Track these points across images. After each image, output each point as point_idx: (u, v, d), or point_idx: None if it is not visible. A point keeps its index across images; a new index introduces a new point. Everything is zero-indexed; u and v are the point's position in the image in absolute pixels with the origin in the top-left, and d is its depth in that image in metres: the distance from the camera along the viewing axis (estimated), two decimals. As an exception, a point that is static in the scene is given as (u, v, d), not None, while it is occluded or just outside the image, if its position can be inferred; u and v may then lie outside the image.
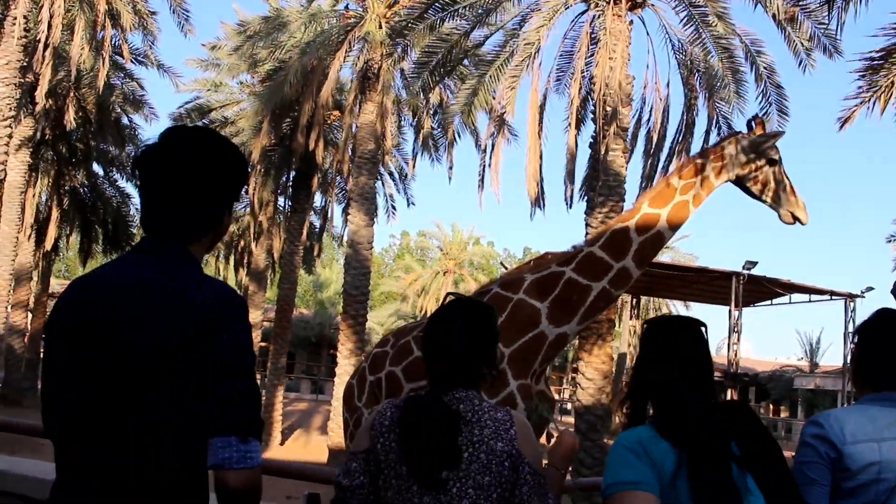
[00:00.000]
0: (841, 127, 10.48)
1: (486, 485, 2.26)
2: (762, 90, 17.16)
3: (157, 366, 1.93)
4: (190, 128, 2.26)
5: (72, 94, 22.51)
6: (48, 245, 26.28)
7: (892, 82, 9.55)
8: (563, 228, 72.25)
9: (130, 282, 2.04)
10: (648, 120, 18.69)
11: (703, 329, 2.63)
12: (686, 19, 16.90)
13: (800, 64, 16.08)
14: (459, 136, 22.08)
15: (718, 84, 17.28)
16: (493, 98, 17.48)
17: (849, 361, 3.00)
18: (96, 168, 27.42)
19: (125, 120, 26.59)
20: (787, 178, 5.65)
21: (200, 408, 1.92)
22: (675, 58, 17.82)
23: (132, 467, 1.96)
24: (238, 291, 2.12)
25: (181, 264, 2.08)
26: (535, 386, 4.81)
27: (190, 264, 2.10)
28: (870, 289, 26.53)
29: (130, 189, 27.60)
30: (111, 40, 21.11)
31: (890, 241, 36.55)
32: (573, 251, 5.26)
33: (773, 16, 15.69)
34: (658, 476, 2.22)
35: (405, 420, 2.43)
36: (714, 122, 17.81)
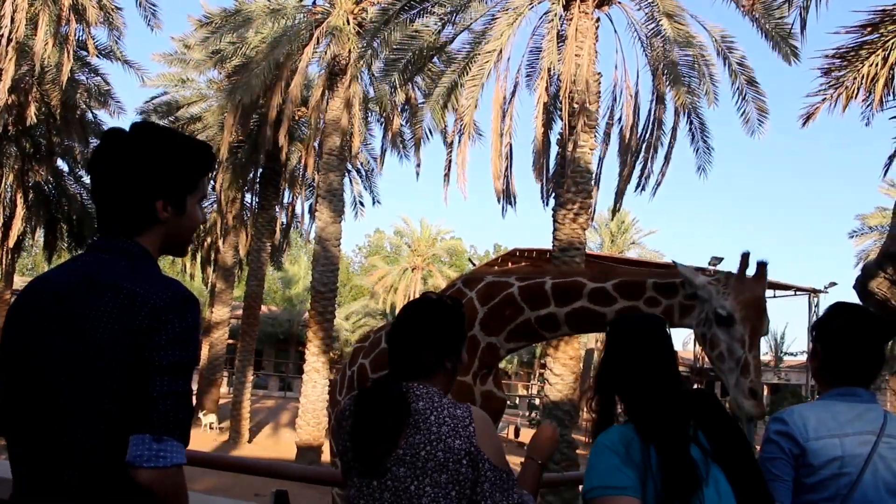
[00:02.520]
0: (804, 123, 10.59)
1: (444, 482, 2.25)
2: (737, 87, 17.35)
3: (101, 362, 1.95)
4: (125, 127, 2.27)
5: (35, 90, 22.23)
6: (12, 242, 25.95)
7: (854, 79, 9.66)
8: (537, 225, 72.51)
9: (80, 280, 2.06)
10: (620, 118, 18.84)
11: (665, 325, 2.68)
12: (649, 16, 17.08)
13: (779, 52, 16.28)
14: (430, 135, 22.13)
15: (685, 79, 17.43)
16: (461, 97, 17.50)
17: (807, 358, 3.03)
18: (61, 164, 27.13)
19: (90, 116, 26.31)
20: (749, 349, 4.32)
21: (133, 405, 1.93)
22: (645, 54, 17.96)
23: (75, 466, 1.97)
24: (187, 290, 2.10)
25: (132, 261, 2.11)
26: (479, 387, 4.73)
27: (141, 261, 2.13)
28: (833, 284, 26.92)
29: (96, 185, 27.29)
30: (75, 35, 20.88)
31: (852, 237, 37.10)
32: (538, 270, 5.14)
33: (741, 6, 15.94)
34: (640, 477, 2.24)
35: (355, 407, 2.47)
36: (684, 116, 17.97)
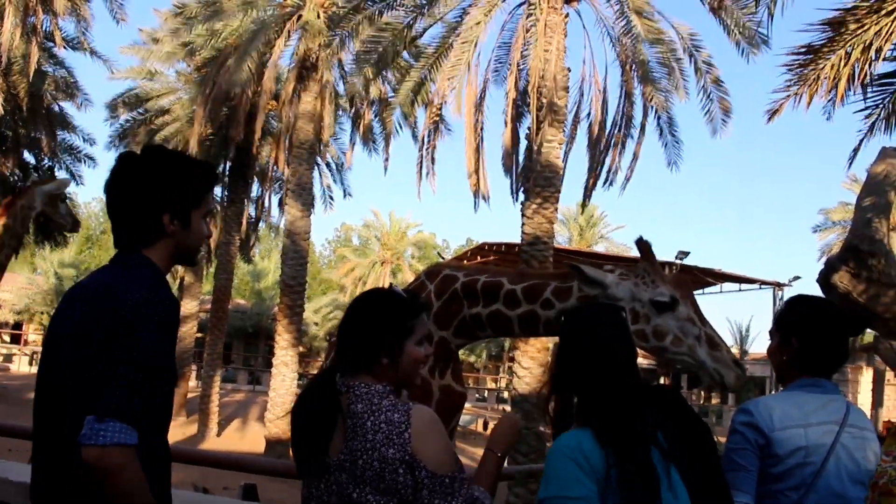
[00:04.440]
0: (769, 119, 10.69)
1: (384, 490, 2.21)
2: (702, 86, 17.49)
3: (80, 354, 2.20)
4: (131, 152, 2.57)
5: (1, 81, 21.95)
6: (-24, 235, 25.63)
7: (818, 76, 9.79)
8: (510, 219, 72.64)
9: (84, 285, 2.41)
10: (589, 114, 18.90)
11: (622, 314, 2.63)
12: (618, 13, 17.19)
13: (742, 53, 16.44)
14: (400, 129, 22.09)
15: (654, 75, 17.55)
16: (431, 92, 17.49)
17: (767, 351, 3.01)
18: (27, 157, 26.78)
19: (56, 108, 26.01)
20: (700, 322, 4.25)
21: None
22: (614, 50, 18.05)
23: (63, 447, 2.19)
24: (172, 296, 2.35)
25: (129, 268, 2.36)
26: (438, 380, 4.66)
27: (136, 268, 2.36)
28: (797, 278, 27.18)
29: (63, 177, 26.98)
30: (42, 26, 20.64)
31: (816, 232, 37.55)
32: (484, 268, 5.04)
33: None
34: (599, 486, 2.20)
35: (294, 405, 2.50)
36: (653, 112, 18.09)
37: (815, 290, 7.18)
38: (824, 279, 6.85)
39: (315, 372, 6.23)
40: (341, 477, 2.25)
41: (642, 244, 4.40)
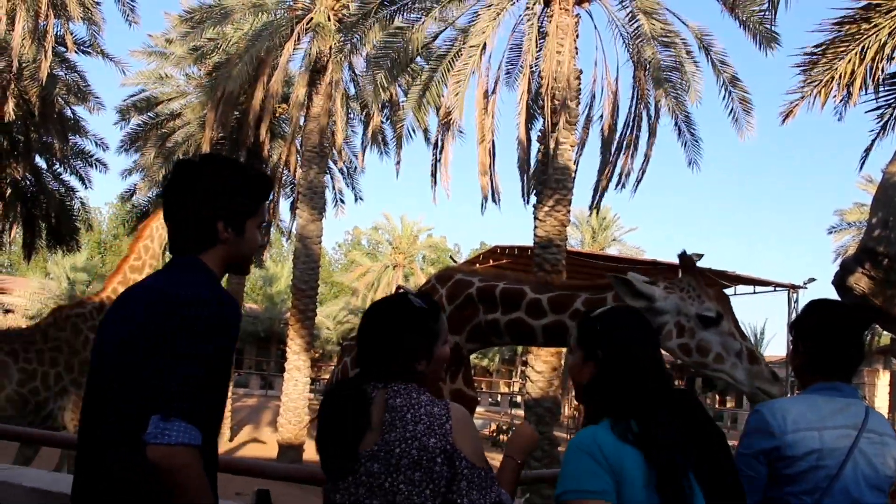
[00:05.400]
0: (783, 121, 10.66)
1: (418, 480, 2.23)
2: (722, 84, 17.41)
3: (138, 354, 2.23)
4: (189, 159, 2.67)
5: (13, 86, 22.05)
6: (-10, 240, 25.74)
7: (832, 77, 9.75)
8: (522, 222, 72.62)
9: (141, 287, 2.49)
10: (602, 116, 18.86)
11: (643, 315, 2.64)
12: (630, 13, 17.14)
13: (760, 47, 16.37)
14: (413, 134, 22.08)
15: (668, 75, 17.49)
16: (443, 95, 17.47)
17: (787, 355, 3.02)
18: (39, 161, 26.88)
19: (68, 112, 26.10)
20: (740, 337, 4.30)
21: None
22: (627, 51, 18.00)
23: (112, 446, 2.24)
24: (230, 297, 2.41)
25: (185, 271, 2.41)
26: (449, 385, 4.65)
27: (192, 271, 2.41)
28: (812, 280, 26.99)
29: (74, 182, 27.06)
30: (54, 30, 20.73)
31: (831, 233, 37.35)
32: (501, 273, 5.02)
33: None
34: (615, 480, 2.20)
35: (320, 408, 2.51)
36: (667, 112, 18.03)
37: (831, 292, 7.13)
38: (840, 281, 6.80)
39: (327, 376, 6.20)
40: (373, 467, 2.28)
41: (686, 259, 4.43)
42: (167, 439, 2.07)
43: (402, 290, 2.67)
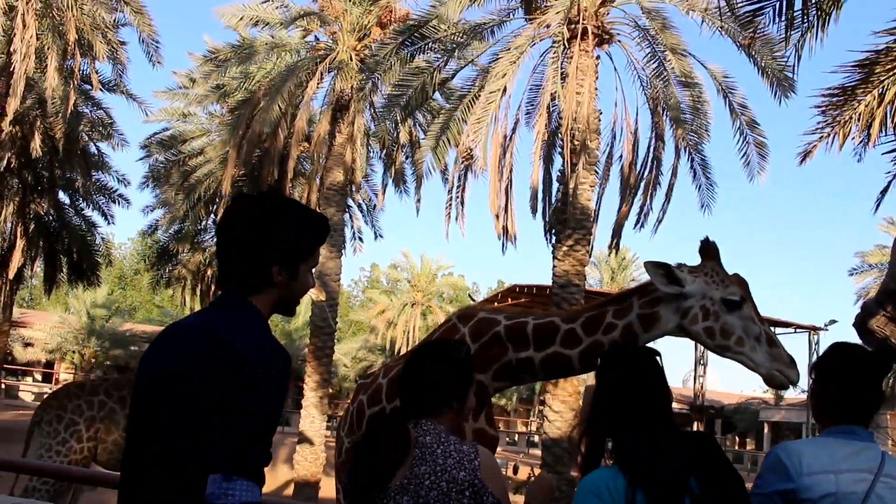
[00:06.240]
0: (801, 161, 10.68)
1: None
2: (738, 127, 17.43)
3: (182, 393, 2.18)
4: (247, 195, 2.59)
5: (39, 123, 22.38)
6: (12, 274, 25.97)
7: (850, 117, 9.76)
8: (540, 261, 72.60)
9: (188, 325, 2.38)
10: (621, 156, 18.90)
11: (657, 358, 2.66)
12: (649, 55, 17.22)
13: (776, 95, 16.38)
14: (431, 172, 22.21)
15: (686, 117, 17.54)
16: (462, 133, 17.56)
17: (808, 396, 3.05)
18: (62, 197, 27.20)
19: (92, 148, 26.44)
20: (759, 321, 4.43)
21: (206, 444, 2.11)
22: (644, 93, 18.09)
23: (156, 477, 2.19)
24: (280, 346, 2.29)
25: (241, 315, 2.32)
26: (472, 424, 4.64)
27: (251, 316, 2.33)
28: (833, 322, 26.82)
29: (96, 218, 27.38)
30: (80, 69, 21.07)
31: (852, 275, 37.11)
32: (525, 310, 5.07)
33: (737, 44, 16.10)
34: None
35: (363, 440, 2.58)
36: (685, 154, 18.05)
37: (852, 334, 7.07)
38: (861, 323, 6.74)
39: (342, 413, 6.22)
40: (402, 499, 2.35)
41: (709, 244, 4.55)
42: (231, 500, 2.04)
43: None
